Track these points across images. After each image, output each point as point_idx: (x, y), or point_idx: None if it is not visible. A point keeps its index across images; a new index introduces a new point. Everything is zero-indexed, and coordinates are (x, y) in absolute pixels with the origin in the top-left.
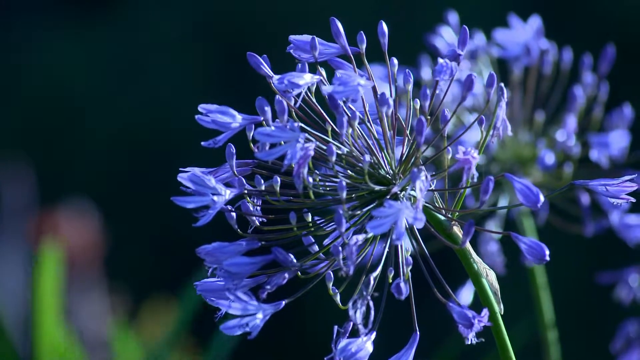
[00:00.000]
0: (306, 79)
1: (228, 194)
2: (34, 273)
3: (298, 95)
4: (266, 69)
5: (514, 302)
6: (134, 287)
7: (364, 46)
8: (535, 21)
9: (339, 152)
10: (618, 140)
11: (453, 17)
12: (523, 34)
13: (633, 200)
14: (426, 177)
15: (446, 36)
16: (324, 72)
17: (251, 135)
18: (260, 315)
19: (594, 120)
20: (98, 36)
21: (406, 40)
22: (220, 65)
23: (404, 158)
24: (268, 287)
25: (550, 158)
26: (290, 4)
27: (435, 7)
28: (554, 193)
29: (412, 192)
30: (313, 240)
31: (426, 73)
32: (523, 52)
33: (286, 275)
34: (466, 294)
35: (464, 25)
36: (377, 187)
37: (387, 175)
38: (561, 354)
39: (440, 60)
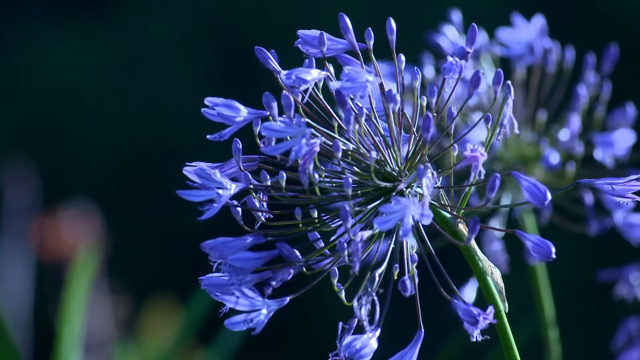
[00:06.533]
0: (314, 74)
1: (233, 188)
2: (68, 277)
3: (305, 90)
4: (274, 63)
5: (515, 301)
6: (134, 287)
7: (372, 42)
8: (538, 20)
9: (345, 148)
10: (623, 139)
11: (456, 15)
12: (526, 33)
13: (639, 199)
14: (432, 174)
15: (450, 35)
16: (331, 68)
17: (257, 130)
18: (264, 311)
19: (597, 120)
20: (98, 36)
21: (407, 38)
22: (220, 64)
23: (410, 155)
24: (273, 282)
25: (555, 157)
26: (290, 4)
27: (437, 6)
28: (559, 192)
29: (418, 189)
30: (318, 236)
31: (429, 71)
32: (526, 51)
33: (291, 270)
34: (469, 292)
35: (473, 24)
36: (383, 184)
37: (393, 172)
38: (562, 352)
39: (450, 59)
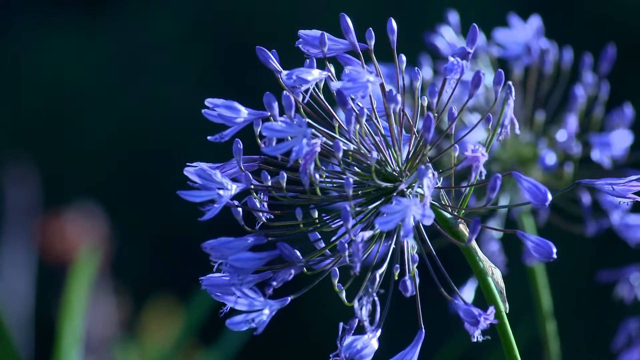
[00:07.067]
0: (314, 74)
1: (234, 188)
2: (69, 277)
3: (306, 91)
4: (275, 63)
5: (514, 302)
6: (135, 287)
7: (373, 43)
8: (535, 21)
9: (346, 148)
10: (620, 140)
11: (453, 16)
12: (523, 33)
13: (639, 199)
14: (433, 174)
15: (447, 36)
16: (332, 68)
17: (258, 130)
18: (266, 311)
19: (595, 120)
20: (98, 36)
21: (407, 39)
22: (220, 65)
23: (410, 155)
24: (274, 283)
25: (551, 158)
26: (290, 4)
27: (434, 6)
28: (558, 192)
29: (419, 190)
30: (319, 237)
31: (426, 73)
32: (523, 52)
33: (292, 271)
34: (468, 293)
35: (474, 24)
36: (384, 184)
37: (394, 173)
38: (561, 353)
39: (451, 59)
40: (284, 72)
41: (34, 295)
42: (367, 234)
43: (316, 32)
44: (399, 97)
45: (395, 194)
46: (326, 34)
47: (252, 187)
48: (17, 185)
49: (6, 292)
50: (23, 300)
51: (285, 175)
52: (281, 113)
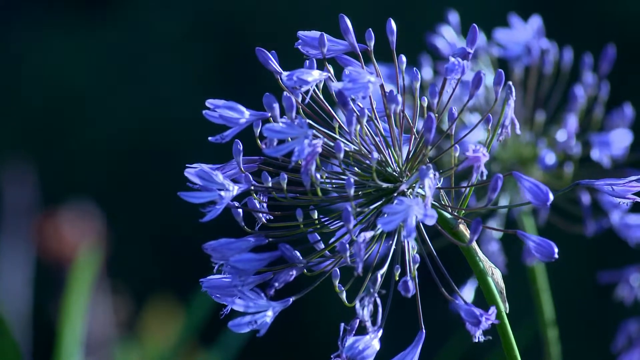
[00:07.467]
0: (315, 75)
1: (235, 189)
2: (70, 277)
3: (306, 92)
4: (275, 65)
5: (514, 302)
6: (135, 287)
7: (372, 43)
8: (535, 21)
9: (347, 149)
10: (620, 139)
11: (454, 16)
12: (524, 33)
13: (639, 199)
14: (434, 175)
15: (447, 36)
16: (331, 69)
17: (258, 131)
18: (269, 313)
19: (595, 120)
20: (98, 36)
21: (406, 40)
22: (220, 65)
23: (411, 156)
24: (276, 284)
25: (551, 158)
26: (290, 4)
27: (435, 6)
28: (559, 192)
29: (420, 190)
30: (319, 238)
31: (427, 73)
32: (524, 52)
33: (293, 272)
34: (467, 293)
35: (473, 24)
36: (385, 185)
37: (395, 173)
38: (562, 354)
39: (452, 59)
40: (285, 73)
41: (33, 295)
42: (369, 234)
43: (315, 33)
44: (399, 98)
45: (395, 194)
46: (325, 35)
47: (253, 188)
48: (16, 184)
49: (5, 292)
50: (21, 299)
51: (285, 176)
52: (282, 114)
